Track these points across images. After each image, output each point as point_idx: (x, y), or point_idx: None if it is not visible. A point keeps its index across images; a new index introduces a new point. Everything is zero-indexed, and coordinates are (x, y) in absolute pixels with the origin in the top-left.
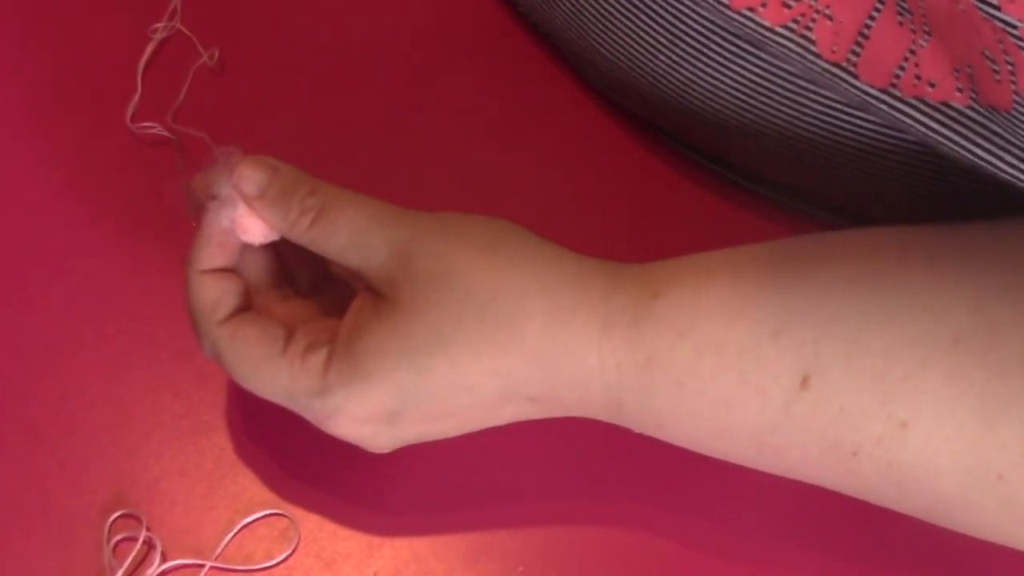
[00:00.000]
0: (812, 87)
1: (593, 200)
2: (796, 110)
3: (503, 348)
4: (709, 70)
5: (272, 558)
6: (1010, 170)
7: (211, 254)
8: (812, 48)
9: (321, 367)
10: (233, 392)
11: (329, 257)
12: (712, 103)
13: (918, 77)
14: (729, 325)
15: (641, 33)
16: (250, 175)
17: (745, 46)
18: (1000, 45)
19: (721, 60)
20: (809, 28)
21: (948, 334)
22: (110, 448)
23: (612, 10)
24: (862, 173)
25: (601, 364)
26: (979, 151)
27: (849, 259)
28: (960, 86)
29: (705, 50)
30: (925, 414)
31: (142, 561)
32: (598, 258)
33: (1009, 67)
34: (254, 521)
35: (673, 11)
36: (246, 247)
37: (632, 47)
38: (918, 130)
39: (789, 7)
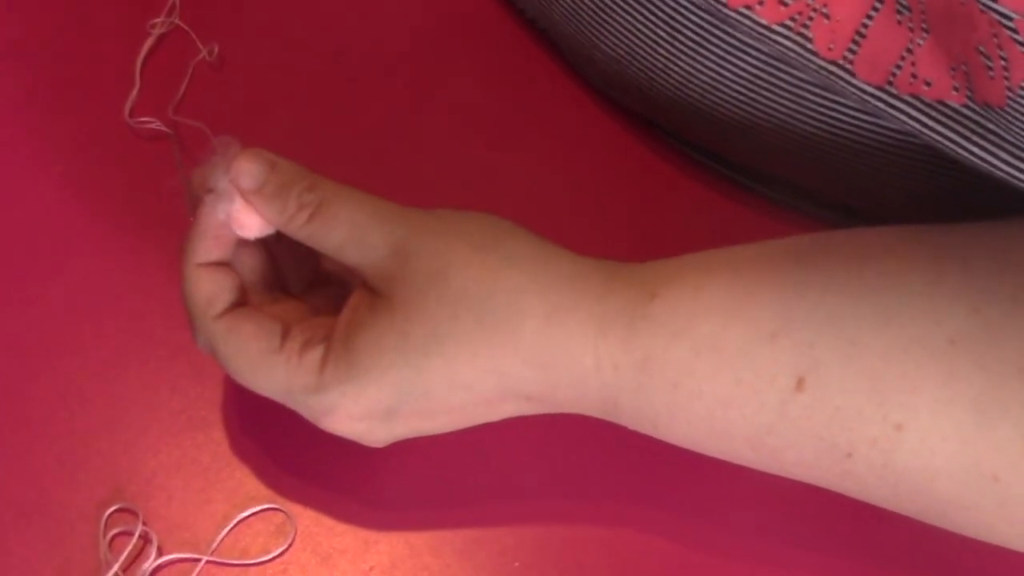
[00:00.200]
0: (811, 82)
1: (592, 198)
2: (795, 104)
3: (499, 347)
4: (708, 64)
5: (268, 553)
6: (1005, 167)
7: (207, 247)
8: (809, 46)
9: (318, 364)
10: (230, 388)
11: (326, 253)
12: (711, 97)
13: (914, 75)
14: (726, 326)
15: (640, 27)
16: (248, 169)
17: (744, 39)
18: (995, 39)
19: (720, 54)
20: (806, 26)
21: (945, 335)
22: (107, 443)
23: (611, 4)
24: (861, 169)
25: (598, 364)
26: (974, 148)
27: (847, 260)
28: (956, 85)
29: (704, 44)
30: (921, 416)
31: (138, 555)
32: (595, 257)
33: (1003, 62)
34: (250, 516)
35: (672, 5)
36: (239, 245)
37: (631, 41)
38: (913, 127)
39: (786, 5)
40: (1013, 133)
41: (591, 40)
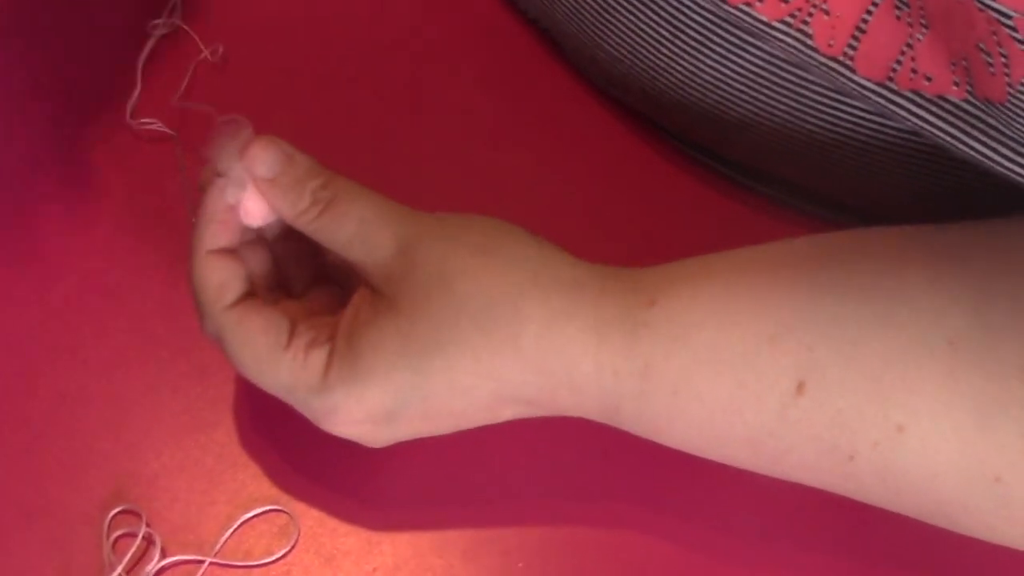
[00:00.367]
0: (812, 80)
1: (593, 198)
2: (797, 103)
3: (500, 352)
4: (711, 61)
5: (272, 554)
6: (1005, 163)
7: (215, 231)
8: (809, 42)
9: (322, 365)
10: (233, 388)
11: (332, 248)
12: (713, 95)
13: (914, 71)
14: (725, 332)
15: (642, 25)
16: (264, 157)
17: (747, 37)
18: (994, 37)
19: (723, 51)
20: (806, 23)
21: (944, 337)
22: (109, 444)
23: (613, 4)
24: (862, 167)
25: (598, 371)
26: (975, 143)
27: (846, 261)
28: (957, 80)
29: (707, 41)
30: (922, 417)
31: (141, 557)
32: (595, 262)
33: (1003, 59)
34: (254, 517)
35: (675, 3)
36: (242, 245)
37: (634, 40)
38: (914, 123)
39: (785, 2)
40: (1014, 128)
41: (593, 39)
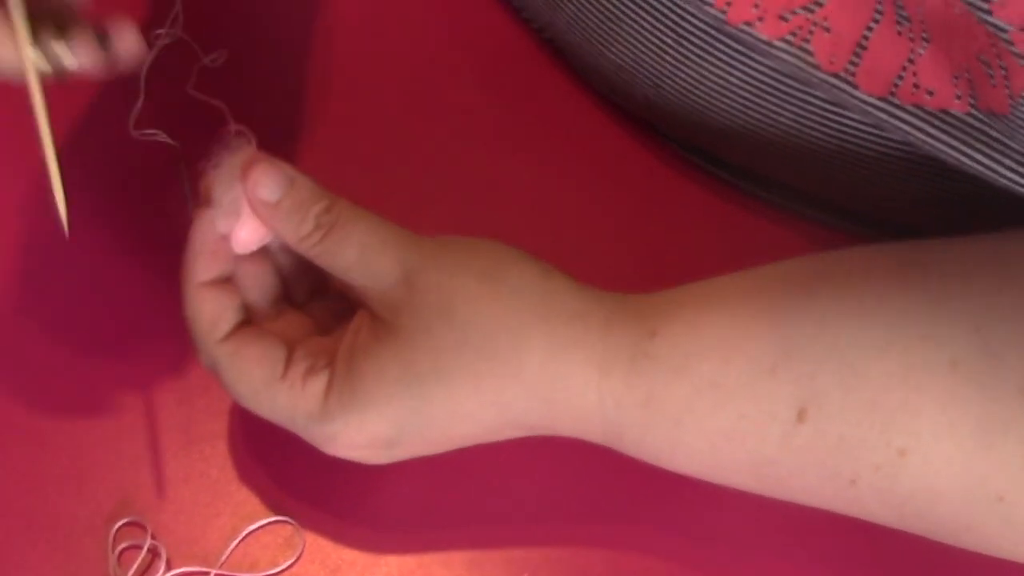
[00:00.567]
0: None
1: (596, 205)
2: (801, 111)
3: (502, 382)
4: (715, 69)
5: (277, 565)
6: (1009, 174)
7: (206, 263)
8: (810, 60)
9: (321, 393)
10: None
11: (333, 272)
12: (717, 102)
13: (916, 85)
14: (725, 363)
15: (646, 33)
16: (267, 182)
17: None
18: (994, 49)
19: (727, 60)
20: (807, 40)
21: (947, 358)
22: (114, 456)
23: (616, 11)
24: (865, 174)
25: (600, 401)
26: (978, 156)
27: (845, 285)
28: (959, 93)
29: (711, 49)
30: (923, 439)
31: (147, 569)
32: (597, 267)
33: (1003, 71)
34: (259, 528)
35: (679, 12)
36: (241, 257)
37: (637, 48)
38: (916, 138)
39: (786, 20)
40: (1017, 140)
41: (597, 47)
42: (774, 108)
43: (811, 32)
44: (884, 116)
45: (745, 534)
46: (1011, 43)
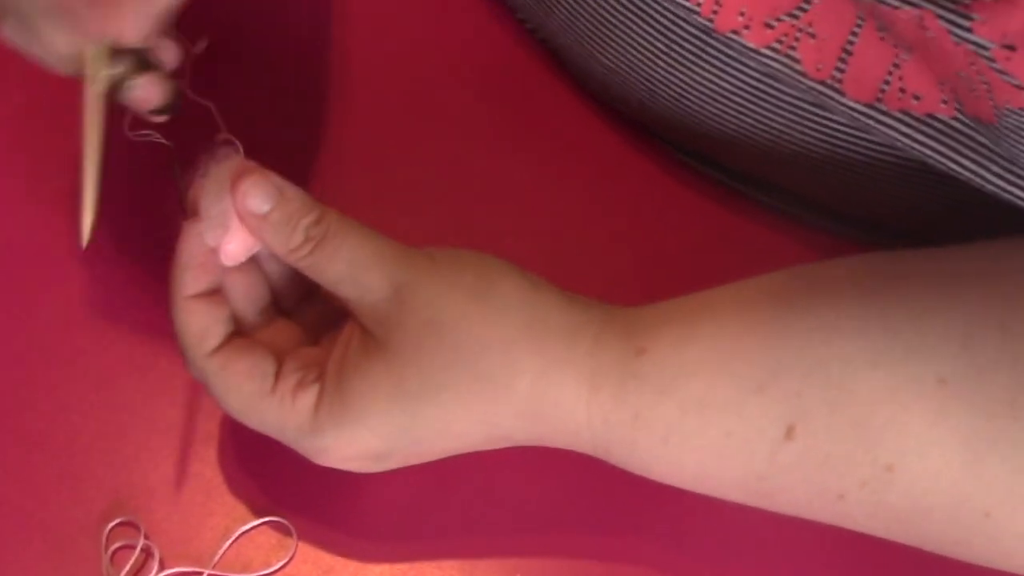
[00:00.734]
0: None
1: (592, 206)
2: (793, 116)
3: (493, 401)
4: (707, 75)
5: (270, 565)
6: (996, 180)
7: (194, 276)
8: (797, 67)
9: (311, 407)
10: None
11: (323, 284)
12: (710, 107)
13: (903, 90)
14: (712, 382)
15: (638, 38)
16: (256, 193)
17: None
18: (973, 67)
19: (719, 66)
20: (793, 48)
21: (933, 375)
22: (108, 456)
23: (608, 16)
24: (858, 180)
25: (589, 418)
26: (966, 162)
27: (834, 301)
28: (945, 98)
29: (702, 54)
30: (911, 456)
31: (140, 569)
32: (594, 269)
33: (985, 86)
34: (252, 529)
35: (670, 17)
36: (231, 268)
37: (629, 52)
38: (904, 143)
39: (771, 27)
40: (1003, 147)
41: (589, 52)
42: (766, 113)
43: (797, 39)
44: (872, 123)
45: (739, 542)
46: (993, 60)
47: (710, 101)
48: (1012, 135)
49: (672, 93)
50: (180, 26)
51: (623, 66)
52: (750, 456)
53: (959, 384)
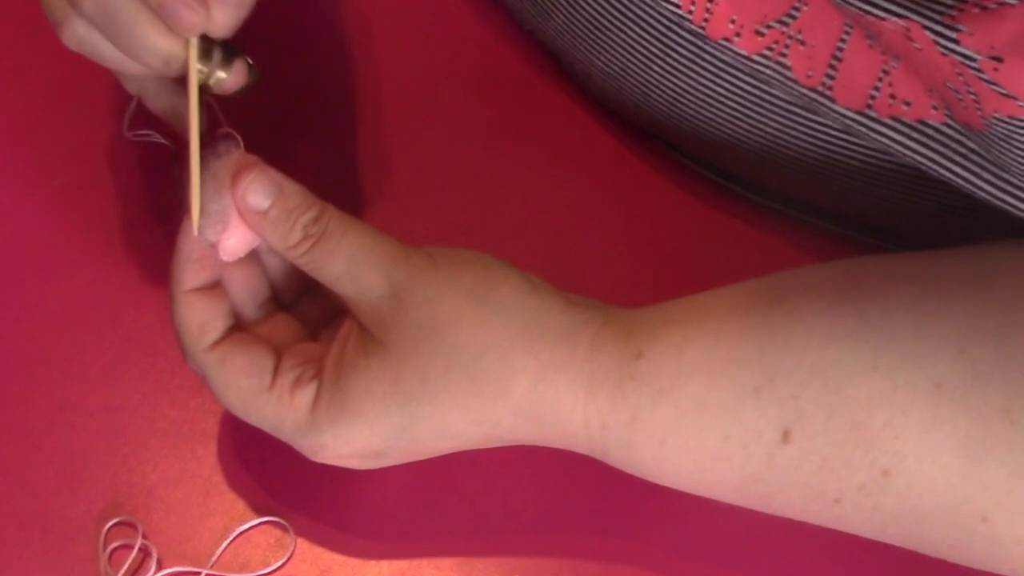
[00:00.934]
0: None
1: (590, 207)
2: (787, 120)
3: (490, 403)
4: (702, 80)
5: (268, 565)
6: (987, 187)
7: (194, 271)
8: (788, 74)
9: (309, 405)
10: None
11: (321, 281)
12: (705, 112)
13: (893, 96)
14: (710, 385)
15: (633, 43)
16: (255, 189)
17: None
18: (961, 78)
19: (714, 71)
20: (783, 55)
21: (930, 380)
22: (106, 456)
23: (604, 21)
24: (854, 184)
25: (586, 421)
26: (957, 168)
27: (832, 305)
28: (935, 104)
29: (697, 60)
30: (908, 460)
31: (138, 568)
32: (592, 268)
33: (972, 96)
34: (250, 528)
35: (665, 23)
36: (230, 263)
37: (625, 58)
38: (896, 149)
39: (762, 35)
40: (993, 154)
41: (586, 56)
42: (760, 118)
43: (787, 46)
44: (864, 130)
45: (736, 543)
46: (980, 71)
47: (704, 106)
48: (1001, 143)
49: (667, 97)
50: None
51: (618, 70)
52: (747, 459)
53: (955, 389)
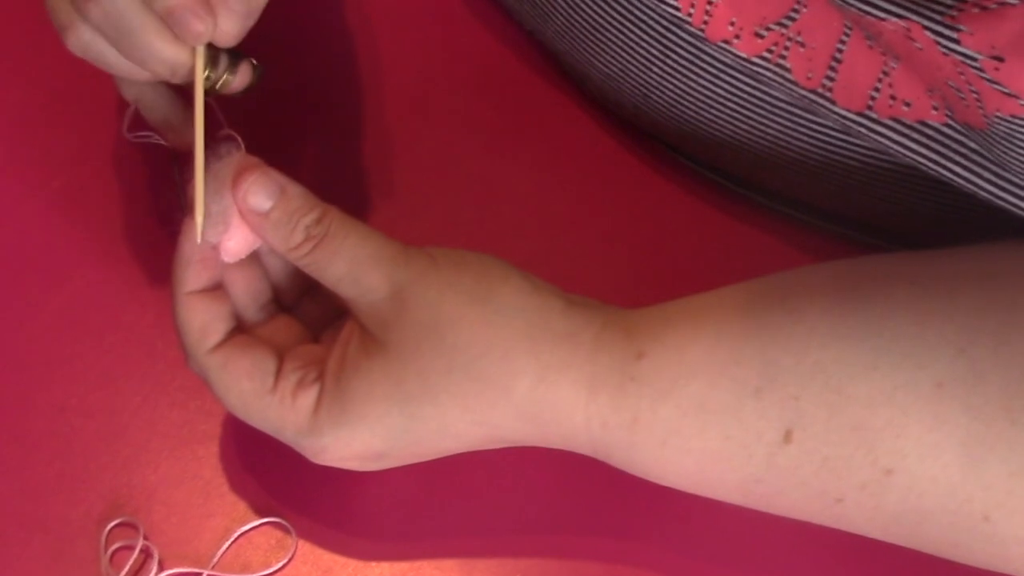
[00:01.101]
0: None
1: (590, 208)
2: (787, 122)
3: (491, 403)
4: (702, 81)
5: (269, 566)
6: (988, 187)
7: (195, 273)
8: (788, 76)
9: (311, 407)
10: None
11: (323, 283)
12: (705, 114)
13: (893, 97)
14: (711, 385)
15: (633, 45)
16: (257, 191)
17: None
18: (962, 76)
19: (714, 72)
20: (783, 57)
21: (931, 380)
22: (107, 457)
23: (604, 22)
24: (855, 185)
25: (587, 422)
26: (958, 169)
27: (833, 305)
28: (936, 104)
29: (697, 62)
30: (909, 460)
31: (139, 569)
32: (592, 268)
33: (975, 94)
34: (251, 529)
35: (664, 24)
36: (232, 264)
37: (624, 59)
38: (896, 150)
39: (761, 37)
40: (995, 153)
41: (585, 57)
42: (760, 120)
43: (787, 48)
44: (864, 131)
45: (738, 543)
46: (982, 70)
47: (704, 107)
48: (1003, 142)
49: (667, 99)
50: None
51: (617, 71)
52: (748, 459)
53: (956, 388)
